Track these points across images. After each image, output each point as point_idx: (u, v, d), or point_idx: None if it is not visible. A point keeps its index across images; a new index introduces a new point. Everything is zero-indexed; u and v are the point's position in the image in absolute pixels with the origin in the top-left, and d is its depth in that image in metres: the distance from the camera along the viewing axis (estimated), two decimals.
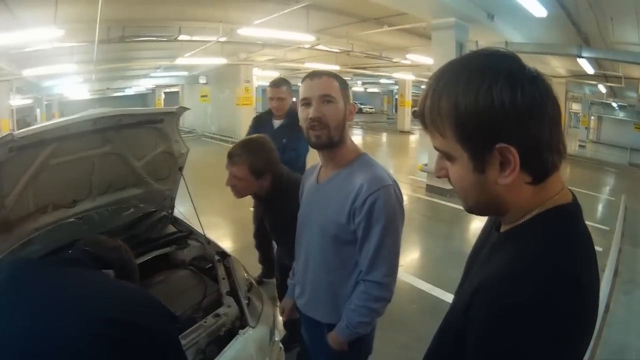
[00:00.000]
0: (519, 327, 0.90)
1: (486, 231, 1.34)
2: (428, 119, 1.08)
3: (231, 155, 2.81)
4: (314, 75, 2.16)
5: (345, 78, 2.31)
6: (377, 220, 2.04)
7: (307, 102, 2.13)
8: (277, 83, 4.75)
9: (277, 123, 4.81)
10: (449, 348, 1.12)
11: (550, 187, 1.05)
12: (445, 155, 1.09)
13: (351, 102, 2.21)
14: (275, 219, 3.06)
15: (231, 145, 2.92)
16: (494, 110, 0.95)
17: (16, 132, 2.33)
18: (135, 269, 2.26)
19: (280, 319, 3.06)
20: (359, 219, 2.07)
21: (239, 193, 2.88)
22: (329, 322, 2.29)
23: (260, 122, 4.98)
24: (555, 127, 0.99)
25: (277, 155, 2.91)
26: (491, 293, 0.97)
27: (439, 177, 1.17)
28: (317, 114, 2.09)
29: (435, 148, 1.11)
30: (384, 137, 28.02)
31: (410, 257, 6.98)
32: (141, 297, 1.71)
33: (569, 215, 1.07)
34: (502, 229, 1.16)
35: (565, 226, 1.04)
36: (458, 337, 1.04)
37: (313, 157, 2.86)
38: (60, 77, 20.16)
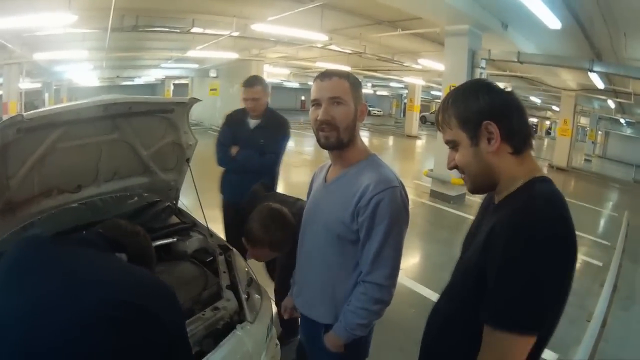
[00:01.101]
0: (535, 244, 1.31)
1: (481, 212, 1.83)
2: (441, 121, 1.64)
3: (250, 239, 2.69)
4: (324, 75, 2.14)
5: None
6: (380, 220, 2.03)
7: (317, 103, 2.13)
8: (251, 83, 4.40)
9: (253, 123, 4.53)
10: (470, 284, 1.52)
11: (528, 163, 1.56)
12: (452, 144, 1.62)
13: (363, 102, 2.19)
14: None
15: None
16: (480, 105, 1.53)
17: (26, 113, 2.31)
18: (151, 257, 2.20)
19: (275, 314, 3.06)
20: (362, 218, 2.05)
21: (262, 260, 3.00)
22: (327, 322, 2.26)
23: (235, 121, 4.64)
24: (521, 118, 1.54)
25: (294, 222, 2.66)
26: (507, 224, 1.39)
27: (450, 168, 1.69)
28: (325, 116, 2.09)
29: (446, 141, 1.65)
30: (391, 140, 27.98)
31: (411, 262, 6.98)
32: (153, 283, 1.67)
33: (549, 181, 1.53)
34: (497, 200, 1.62)
35: (550, 185, 1.51)
36: (479, 273, 1.45)
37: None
38: (70, 63, 20.20)
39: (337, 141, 2.12)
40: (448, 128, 1.60)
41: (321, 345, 2.26)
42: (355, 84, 2.16)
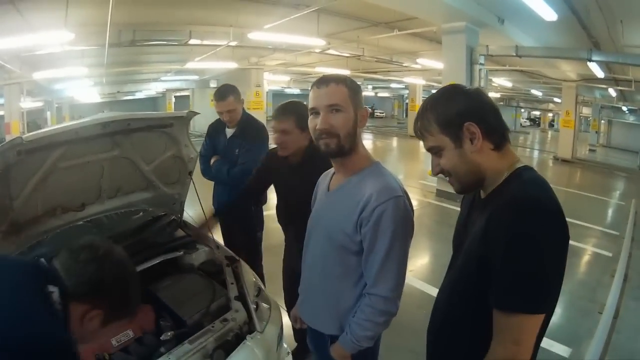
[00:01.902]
0: (536, 225, 1.39)
1: (465, 209, 1.90)
2: (422, 129, 1.69)
3: (278, 113, 3.03)
4: (321, 82, 2.08)
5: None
6: (384, 232, 1.97)
7: (315, 112, 2.07)
8: (223, 95, 4.24)
9: (229, 132, 4.46)
10: (469, 276, 1.61)
11: (509, 156, 1.65)
12: (436, 150, 1.68)
13: (363, 106, 2.13)
14: (299, 192, 2.83)
15: None
16: (459, 108, 1.61)
17: (25, 135, 2.33)
18: (104, 290, 1.61)
19: (287, 322, 3.04)
20: (365, 229, 2.00)
21: (287, 148, 3.02)
22: (331, 333, 2.23)
23: (215, 131, 4.59)
24: (496, 115, 1.64)
25: None
26: (507, 210, 1.46)
27: (435, 174, 1.79)
28: (324, 125, 2.03)
29: (428, 149, 1.71)
30: (395, 141, 27.94)
31: (419, 262, 6.96)
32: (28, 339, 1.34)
33: (531, 168, 1.63)
34: (484, 195, 1.70)
35: (534, 172, 1.61)
36: (480, 263, 1.51)
37: None
38: (70, 80, 20.29)
39: (338, 148, 2.06)
40: (429, 135, 1.67)
41: (328, 355, 2.22)
42: (354, 88, 2.09)
